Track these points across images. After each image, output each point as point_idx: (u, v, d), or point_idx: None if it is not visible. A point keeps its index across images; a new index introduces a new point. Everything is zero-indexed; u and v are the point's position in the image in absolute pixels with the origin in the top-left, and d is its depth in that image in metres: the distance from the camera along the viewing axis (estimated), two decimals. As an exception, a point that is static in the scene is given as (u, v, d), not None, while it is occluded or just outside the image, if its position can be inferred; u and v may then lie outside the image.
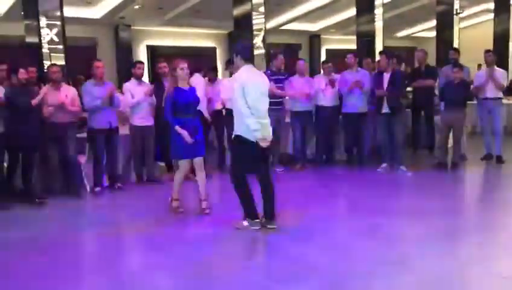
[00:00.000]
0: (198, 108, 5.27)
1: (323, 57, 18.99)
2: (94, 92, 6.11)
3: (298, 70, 7.50)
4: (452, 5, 14.63)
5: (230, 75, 7.14)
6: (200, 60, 6.99)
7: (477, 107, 7.84)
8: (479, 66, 9.35)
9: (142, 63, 7.00)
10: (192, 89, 5.17)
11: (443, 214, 4.95)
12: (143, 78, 6.87)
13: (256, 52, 11.97)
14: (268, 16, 12.73)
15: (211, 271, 3.74)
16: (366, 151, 7.60)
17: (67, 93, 6.13)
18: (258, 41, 12.06)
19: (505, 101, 7.97)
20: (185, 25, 16.29)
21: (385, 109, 6.82)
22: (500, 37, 13.17)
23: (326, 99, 7.41)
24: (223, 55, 17.82)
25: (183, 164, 5.14)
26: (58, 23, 9.29)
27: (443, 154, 7.13)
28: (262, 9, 12.02)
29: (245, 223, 4.56)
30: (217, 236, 4.49)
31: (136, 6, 14.17)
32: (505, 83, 7.58)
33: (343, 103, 7.44)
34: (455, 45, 13.83)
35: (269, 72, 7.36)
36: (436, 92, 8.10)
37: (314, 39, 20.42)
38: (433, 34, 15.63)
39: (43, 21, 9.18)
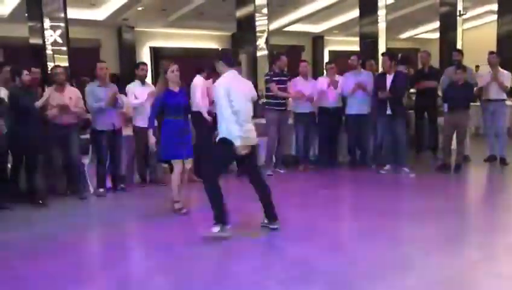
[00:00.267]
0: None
1: (326, 59, 18.98)
2: (97, 94, 6.13)
3: (301, 72, 7.50)
4: (455, 6, 14.60)
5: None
6: (203, 62, 6.98)
7: (480, 108, 7.82)
8: (477, 67, 9.35)
9: (145, 64, 7.01)
10: (182, 91, 5.20)
11: (446, 215, 4.94)
12: (146, 80, 6.89)
13: (259, 53, 12.00)
14: (271, 17, 12.75)
15: (211, 272, 3.74)
16: (369, 153, 7.59)
17: (71, 94, 6.14)
18: (261, 42, 12.08)
19: (508, 102, 7.95)
20: (188, 26, 16.33)
21: (388, 111, 6.83)
22: (504, 39, 13.13)
23: (329, 100, 7.41)
24: (226, 56, 17.82)
25: (175, 165, 5.17)
26: (62, 24, 9.34)
27: (446, 155, 7.11)
28: (265, 10, 12.05)
29: (215, 229, 4.30)
30: (216, 237, 4.47)
31: (140, 8, 14.20)
32: (509, 85, 7.57)
33: (346, 105, 7.44)
34: (458, 46, 13.81)
35: (272, 73, 7.38)
36: (440, 93, 8.10)
37: (318, 40, 20.41)
38: (437, 35, 15.60)
39: (47, 23, 9.23)
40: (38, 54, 9.40)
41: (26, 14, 9.83)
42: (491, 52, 7.70)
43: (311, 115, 7.49)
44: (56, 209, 5.67)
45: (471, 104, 7.30)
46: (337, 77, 7.50)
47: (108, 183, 6.46)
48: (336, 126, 7.56)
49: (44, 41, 9.20)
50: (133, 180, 6.92)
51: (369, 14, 13.58)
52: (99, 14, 14.31)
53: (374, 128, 7.48)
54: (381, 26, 13.52)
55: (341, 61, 8.43)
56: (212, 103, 7.13)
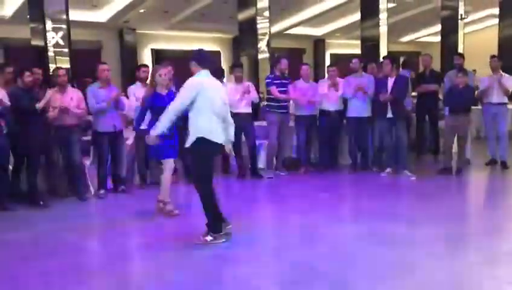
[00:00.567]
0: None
1: (327, 62, 19.02)
2: (99, 95, 6.13)
3: (302, 75, 7.50)
4: (457, 10, 14.64)
5: (235, 79, 7.16)
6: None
7: (482, 112, 7.82)
8: (474, 71, 9.39)
9: (146, 66, 7.01)
10: (170, 95, 5.28)
11: (446, 219, 4.93)
12: (147, 82, 6.89)
13: (260, 56, 12.02)
14: (272, 20, 12.78)
15: (211, 274, 3.73)
16: (369, 155, 7.58)
17: (73, 96, 6.15)
18: (262, 45, 12.10)
19: (510, 106, 7.95)
20: (189, 29, 16.36)
21: (388, 114, 6.84)
22: (505, 42, 13.15)
23: (330, 103, 7.40)
24: (227, 59, 17.88)
25: (166, 164, 5.20)
26: (64, 26, 9.37)
27: (448, 159, 7.11)
28: (267, 13, 12.07)
29: (208, 238, 4.22)
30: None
31: (141, 10, 14.24)
32: (511, 89, 7.56)
33: (347, 107, 7.44)
34: (460, 50, 13.82)
35: (273, 76, 7.38)
36: (441, 96, 8.09)
37: (319, 43, 20.46)
38: (438, 39, 15.64)
39: (49, 24, 9.26)
40: (40, 55, 9.42)
41: (28, 16, 9.86)
42: (492, 56, 7.71)
43: (312, 117, 7.48)
44: (57, 210, 5.67)
45: (473, 107, 7.30)
46: (338, 80, 7.50)
47: (109, 185, 6.47)
48: (337, 129, 7.56)
49: (46, 43, 9.22)
50: (134, 181, 6.92)
51: (371, 18, 13.62)
52: (101, 16, 14.34)
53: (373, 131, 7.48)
54: (383, 29, 13.56)
55: (342, 65, 8.43)
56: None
